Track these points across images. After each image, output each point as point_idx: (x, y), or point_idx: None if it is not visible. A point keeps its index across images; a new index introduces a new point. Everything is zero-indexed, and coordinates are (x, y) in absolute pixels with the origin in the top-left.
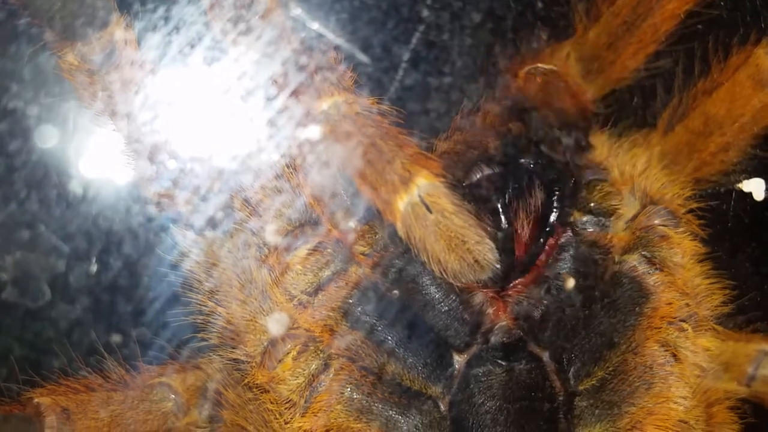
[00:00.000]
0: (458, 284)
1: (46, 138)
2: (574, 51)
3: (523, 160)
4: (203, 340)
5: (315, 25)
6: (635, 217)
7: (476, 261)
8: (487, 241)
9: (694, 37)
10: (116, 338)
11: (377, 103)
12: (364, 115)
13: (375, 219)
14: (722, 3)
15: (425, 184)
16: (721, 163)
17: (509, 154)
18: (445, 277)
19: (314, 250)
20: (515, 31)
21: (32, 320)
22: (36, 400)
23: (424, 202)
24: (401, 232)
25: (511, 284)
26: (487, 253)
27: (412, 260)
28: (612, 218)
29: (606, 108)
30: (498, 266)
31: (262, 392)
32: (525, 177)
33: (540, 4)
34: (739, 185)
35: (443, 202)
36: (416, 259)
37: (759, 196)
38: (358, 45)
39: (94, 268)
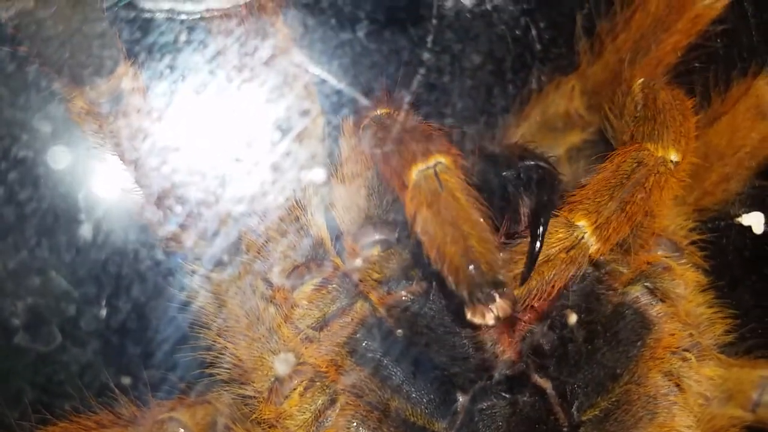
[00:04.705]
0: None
1: (56, 180)
2: (578, 84)
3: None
4: (212, 375)
5: (317, 70)
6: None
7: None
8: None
9: (695, 69)
10: (126, 378)
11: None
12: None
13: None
14: (719, 39)
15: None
16: (723, 192)
17: None
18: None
19: (320, 285)
20: (515, 72)
21: (44, 364)
22: None
23: None
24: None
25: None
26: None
27: (419, 297)
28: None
29: None
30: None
31: (270, 427)
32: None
33: (538, 46)
34: (739, 219)
35: None
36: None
37: (758, 229)
38: (359, 89)
39: (103, 311)
